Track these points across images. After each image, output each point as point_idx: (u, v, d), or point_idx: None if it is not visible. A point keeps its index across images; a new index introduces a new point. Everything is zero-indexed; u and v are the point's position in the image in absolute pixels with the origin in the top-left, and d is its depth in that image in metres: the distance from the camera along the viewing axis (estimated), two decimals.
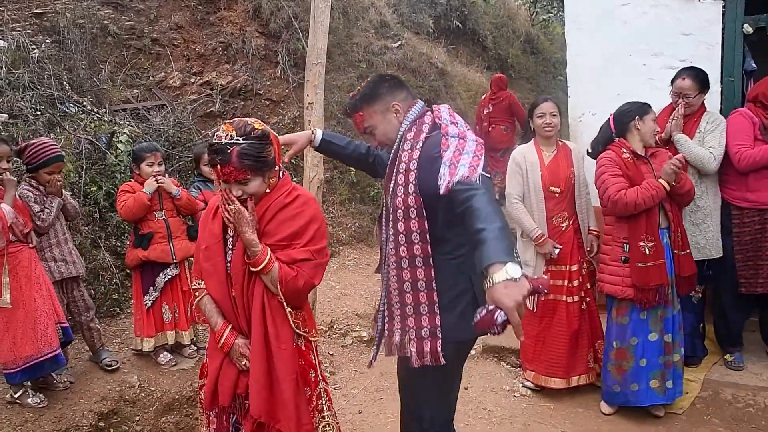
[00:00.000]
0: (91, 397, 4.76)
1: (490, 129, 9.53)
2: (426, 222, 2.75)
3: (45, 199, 4.74)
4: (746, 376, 4.90)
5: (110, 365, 5.06)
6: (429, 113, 2.93)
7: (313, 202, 2.94)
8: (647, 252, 4.24)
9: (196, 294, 2.99)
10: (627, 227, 4.33)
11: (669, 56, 5.33)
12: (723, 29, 5.18)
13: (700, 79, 4.69)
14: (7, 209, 4.31)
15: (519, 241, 4.95)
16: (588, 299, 4.82)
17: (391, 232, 2.85)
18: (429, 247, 2.76)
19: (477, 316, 2.07)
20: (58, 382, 4.82)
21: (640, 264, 4.25)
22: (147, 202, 4.92)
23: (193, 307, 2.75)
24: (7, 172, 4.41)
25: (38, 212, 4.65)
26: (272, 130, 2.88)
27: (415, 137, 2.84)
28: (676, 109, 4.72)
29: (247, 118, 2.81)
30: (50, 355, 4.50)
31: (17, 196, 4.48)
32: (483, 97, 10.07)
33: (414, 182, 2.75)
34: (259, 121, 2.81)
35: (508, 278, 2.04)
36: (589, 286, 4.83)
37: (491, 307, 2.04)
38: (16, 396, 4.58)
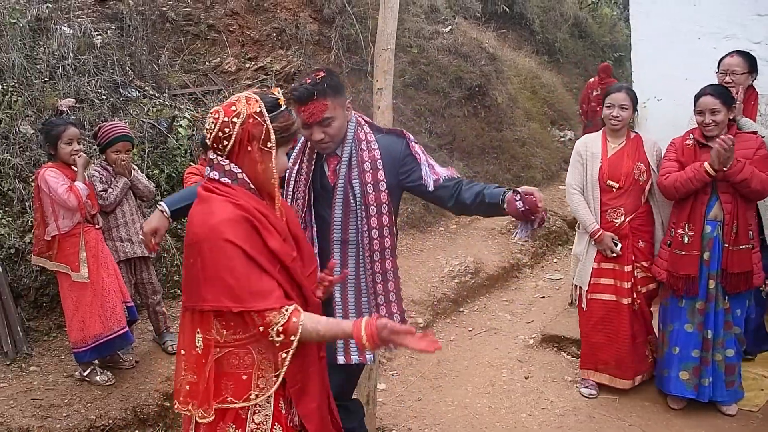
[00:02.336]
0: (156, 377, 4.88)
1: (598, 108, 10.06)
2: (392, 216, 3.08)
3: (112, 179, 4.86)
4: None
5: (172, 351, 5.17)
6: (353, 115, 3.11)
7: None
8: (686, 240, 4.24)
9: (286, 329, 2.25)
10: (675, 212, 4.36)
11: (742, 38, 5.14)
12: None
13: (750, 59, 4.55)
14: (81, 186, 4.48)
15: (577, 233, 4.88)
16: (639, 302, 4.59)
17: (365, 228, 3.03)
18: (395, 239, 3.12)
19: (519, 204, 2.78)
20: (124, 360, 4.95)
21: (676, 251, 4.29)
22: None
23: (291, 349, 2.24)
24: (80, 153, 4.58)
25: (101, 191, 4.77)
26: None
27: (366, 138, 3.06)
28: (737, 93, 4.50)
29: None
30: (119, 332, 4.64)
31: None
32: (592, 80, 11.47)
33: (383, 180, 3.02)
34: None
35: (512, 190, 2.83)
36: (640, 289, 4.60)
37: (521, 196, 2.77)
38: (85, 374, 4.73)
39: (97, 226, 4.69)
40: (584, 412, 4.62)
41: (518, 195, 2.78)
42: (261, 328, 2.22)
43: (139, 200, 5.17)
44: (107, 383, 4.72)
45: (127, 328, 4.71)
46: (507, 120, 10.59)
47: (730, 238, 4.19)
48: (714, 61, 5.07)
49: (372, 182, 3.02)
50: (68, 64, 6.62)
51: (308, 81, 2.93)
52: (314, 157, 3.13)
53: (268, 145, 2.32)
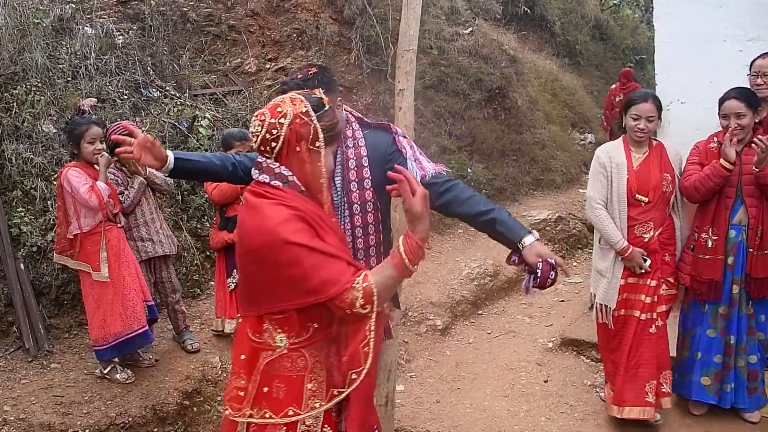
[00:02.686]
0: (176, 376, 4.91)
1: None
2: (380, 214, 3.04)
3: (128, 180, 4.88)
4: None
5: (192, 349, 5.20)
6: (344, 112, 3.07)
7: None
8: (709, 244, 4.19)
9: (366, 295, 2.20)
10: (698, 216, 4.31)
11: (767, 41, 5.03)
12: None
13: None
14: (103, 186, 4.50)
15: (596, 247, 4.57)
16: (660, 323, 4.28)
17: (348, 226, 3.00)
18: (382, 236, 3.07)
19: (537, 273, 2.65)
20: (143, 359, 4.97)
21: (700, 255, 4.23)
22: (239, 188, 4.92)
23: (374, 311, 2.22)
24: (103, 152, 4.61)
25: (118, 193, 4.80)
26: None
27: (353, 135, 3.03)
28: None
29: None
30: (139, 331, 4.65)
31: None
32: (614, 86, 11.43)
33: (368, 178, 2.98)
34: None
35: (536, 239, 2.74)
36: (664, 309, 4.33)
37: (540, 262, 2.65)
38: (105, 372, 4.76)
39: (119, 225, 4.71)
40: (604, 417, 4.59)
41: (537, 266, 2.67)
42: (348, 311, 2.19)
43: (159, 195, 5.20)
44: (127, 381, 4.74)
45: (147, 327, 4.73)
46: (527, 122, 10.54)
47: (755, 242, 4.15)
48: (739, 63, 5.00)
49: (356, 180, 2.97)
50: (90, 64, 6.67)
51: (299, 76, 2.89)
52: None
53: (317, 144, 2.30)
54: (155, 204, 5.10)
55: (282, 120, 2.26)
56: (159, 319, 5.30)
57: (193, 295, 6.13)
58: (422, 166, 2.97)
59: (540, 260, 2.66)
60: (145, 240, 4.97)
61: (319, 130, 2.29)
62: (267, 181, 2.30)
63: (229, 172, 3.16)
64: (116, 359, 4.80)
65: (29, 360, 5.00)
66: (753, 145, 3.96)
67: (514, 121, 10.34)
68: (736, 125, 4.06)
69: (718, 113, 4.20)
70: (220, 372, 5.07)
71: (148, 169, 4.90)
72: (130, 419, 4.45)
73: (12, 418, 4.30)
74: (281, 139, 2.27)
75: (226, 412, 2.40)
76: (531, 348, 5.78)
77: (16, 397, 4.53)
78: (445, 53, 9.92)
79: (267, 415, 2.32)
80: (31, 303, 5.18)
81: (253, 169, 2.37)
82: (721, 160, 4.02)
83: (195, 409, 4.79)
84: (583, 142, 11.96)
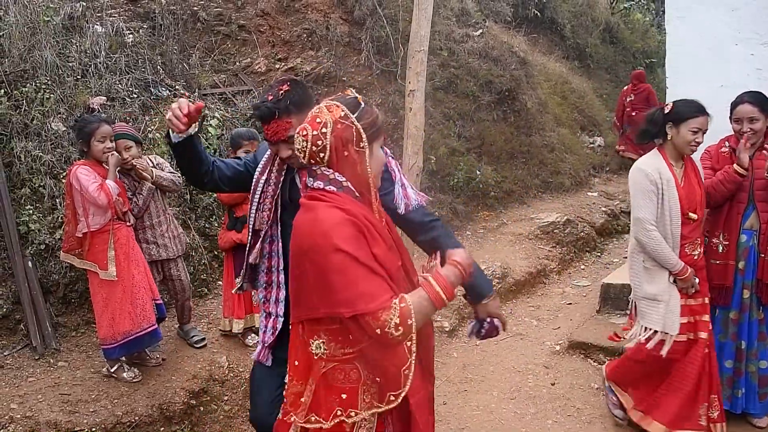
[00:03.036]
0: (183, 375, 4.90)
1: (633, 114, 10.86)
2: None
3: (136, 185, 4.89)
4: None
5: (197, 344, 5.22)
6: None
7: None
8: (720, 249, 4.17)
9: (402, 316, 2.21)
10: (709, 221, 4.28)
11: None
12: None
13: None
14: (112, 185, 4.51)
15: (640, 272, 4.14)
16: (710, 342, 4.07)
17: None
18: None
19: (482, 328, 2.92)
20: (150, 358, 4.97)
21: (711, 260, 4.19)
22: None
23: (413, 333, 2.22)
24: (113, 152, 4.62)
25: (128, 198, 4.81)
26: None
27: None
28: None
29: None
30: (148, 329, 4.65)
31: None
32: (625, 88, 11.56)
33: None
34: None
35: (492, 296, 2.91)
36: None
37: (488, 319, 2.91)
38: (112, 370, 4.76)
39: (128, 224, 4.71)
40: (611, 421, 4.56)
41: (485, 321, 2.92)
42: (378, 331, 2.18)
43: (168, 195, 5.20)
44: (134, 380, 4.74)
45: (156, 326, 4.73)
46: (536, 125, 10.52)
47: (766, 247, 4.11)
48: (751, 67, 5.01)
49: None
50: (100, 63, 6.68)
51: (270, 98, 2.82)
52: (285, 168, 3.02)
53: (361, 144, 2.32)
54: (163, 206, 5.08)
55: (324, 129, 2.28)
56: (167, 318, 5.30)
57: (200, 295, 6.13)
58: (407, 194, 2.82)
59: (488, 318, 2.90)
60: (150, 243, 4.98)
61: (362, 130, 2.31)
62: (321, 186, 2.33)
63: (208, 171, 3.10)
64: (123, 358, 4.79)
65: (36, 358, 5.00)
66: (765, 150, 3.94)
67: (524, 123, 10.32)
68: (749, 130, 4.03)
69: (730, 117, 4.17)
70: (227, 372, 5.07)
71: (155, 172, 4.90)
72: (137, 418, 4.44)
73: (18, 416, 4.30)
74: (328, 148, 2.29)
75: (291, 419, 2.43)
76: (538, 351, 5.75)
77: (23, 395, 4.53)
78: (455, 55, 9.92)
79: (318, 421, 2.35)
80: (38, 301, 5.19)
81: (307, 177, 2.39)
82: (735, 166, 4.01)
83: (202, 408, 4.78)
84: (592, 145, 11.94)
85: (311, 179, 2.36)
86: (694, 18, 5.40)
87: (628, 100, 11.24)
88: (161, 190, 5.04)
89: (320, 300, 2.25)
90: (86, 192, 4.43)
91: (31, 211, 5.50)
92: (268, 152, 3.06)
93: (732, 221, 4.16)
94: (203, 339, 5.28)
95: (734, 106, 4.13)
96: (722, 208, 4.18)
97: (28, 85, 6.12)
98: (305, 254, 2.26)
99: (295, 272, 2.36)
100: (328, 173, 2.32)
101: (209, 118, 6.86)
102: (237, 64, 8.18)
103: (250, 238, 3.17)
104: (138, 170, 4.80)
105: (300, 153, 2.33)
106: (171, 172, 5.02)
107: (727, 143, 4.25)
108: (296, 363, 2.42)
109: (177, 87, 7.15)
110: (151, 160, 5.02)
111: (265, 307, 3.20)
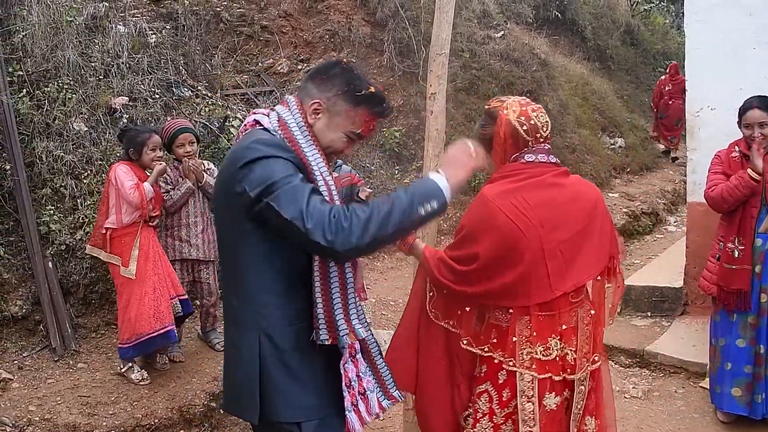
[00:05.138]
0: (203, 377, 4.86)
1: (670, 102, 11.95)
2: None
3: (179, 179, 4.92)
4: None
5: (220, 348, 5.15)
6: None
7: None
8: (736, 255, 4.12)
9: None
10: (723, 225, 4.26)
11: None
12: None
13: None
14: (148, 188, 4.56)
15: None
16: None
17: None
18: None
19: None
20: (158, 361, 4.95)
21: (726, 265, 4.16)
22: None
23: None
24: (161, 161, 4.72)
25: (163, 192, 4.82)
26: None
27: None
28: None
29: None
30: (162, 330, 4.61)
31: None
32: (663, 77, 12.55)
33: None
34: None
35: None
36: None
37: None
38: (123, 370, 4.76)
39: (151, 224, 4.71)
40: (632, 423, 4.50)
41: None
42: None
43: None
44: (141, 382, 4.72)
45: (171, 327, 4.66)
46: (557, 126, 10.43)
47: None
48: None
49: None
50: (122, 63, 6.67)
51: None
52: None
53: None
54: (202, 209, 5.04)
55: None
56: (188, 322, 5.27)
57: (221, 297, 6.09)
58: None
59: None
60: (183, 241, 4.98)
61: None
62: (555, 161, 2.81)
63: None
64: (136, 359, 4.78)
65: (55, 359, 4.99)
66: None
67: None
68: (759, 135, 4.04)
69: (739, 122, 4.20)
70: None
71: (205, 177, 4.92)
72: (156, 420, 4.40)
73: (37, 419, 4.29)
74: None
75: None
76: None
77: (42, 397, 4.52)
78: (476, 56, 9.85)
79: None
80: (58, 302, 5.17)
81: (541, 155, 2.74)
82: (749, 171, 3.99)
83: (221, 411, 4.74)
84: (613, 146, 11.84)
85: (543, 155, 2.74)
86: (713, 21, 5.38)
87: (666, 89, 12.14)
88: (207, 197, 5.02)
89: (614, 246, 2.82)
90: (122, 187, 4.49)
91: (52, 212, 5.48)
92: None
93: (746, 226, 4.11)
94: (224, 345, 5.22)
95: (743, 111, 4.16)
96: (735, 213, 4.15)
97: (51, 85, 6.11)
98: (600, 205, 2.81)
99: (586, 231, 2.71)
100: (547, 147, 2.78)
101: (231, 119, 6.84)
102: (259, 64, 8.18)
103: None
104: (191, 166, 4.86)
105: (544, 129, 2.73)
106: None
107: (737, 148, 4.24)
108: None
109: (199, 87, 7.14)
110: (204, 164, 5.06)
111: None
